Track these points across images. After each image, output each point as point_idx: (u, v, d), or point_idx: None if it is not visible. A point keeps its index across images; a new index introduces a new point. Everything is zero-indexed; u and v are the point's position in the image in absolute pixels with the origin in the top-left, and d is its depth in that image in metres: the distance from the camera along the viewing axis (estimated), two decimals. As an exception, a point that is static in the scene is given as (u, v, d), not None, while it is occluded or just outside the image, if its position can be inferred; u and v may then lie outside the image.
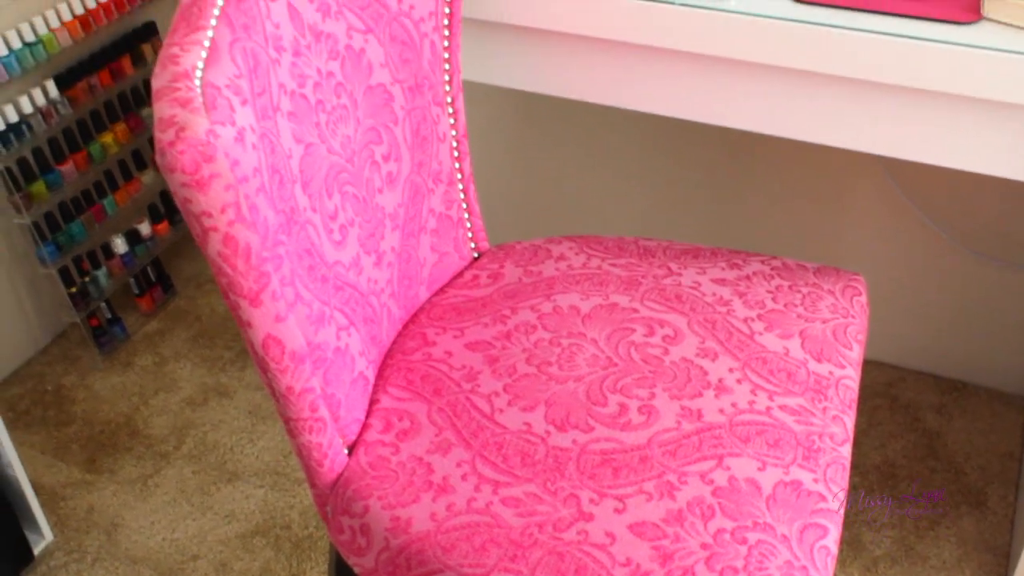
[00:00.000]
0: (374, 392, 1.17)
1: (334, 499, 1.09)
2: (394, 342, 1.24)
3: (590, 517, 1.01)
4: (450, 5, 1.22)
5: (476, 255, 1.37)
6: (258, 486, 1.71)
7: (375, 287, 1.17)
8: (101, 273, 1.95)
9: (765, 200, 1.83)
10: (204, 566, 1.59)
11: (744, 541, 0.99)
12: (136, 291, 2.02)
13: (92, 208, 1.92)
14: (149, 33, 1.99)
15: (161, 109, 0.85)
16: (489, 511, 1.03)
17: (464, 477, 1.06)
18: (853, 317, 1.25)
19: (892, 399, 1.82)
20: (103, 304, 1.96)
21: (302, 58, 1.04)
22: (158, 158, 0.85)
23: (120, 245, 1.97)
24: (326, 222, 1.06)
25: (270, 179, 0.95)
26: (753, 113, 1.28)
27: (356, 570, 1.11)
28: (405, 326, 1.26)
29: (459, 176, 1.31)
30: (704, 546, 0.98)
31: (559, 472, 1.05)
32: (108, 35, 1.94)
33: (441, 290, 1.31)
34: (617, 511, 1.01)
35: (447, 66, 1.25)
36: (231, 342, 1.99)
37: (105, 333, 1.96)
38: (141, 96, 1.98)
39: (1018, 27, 1.14)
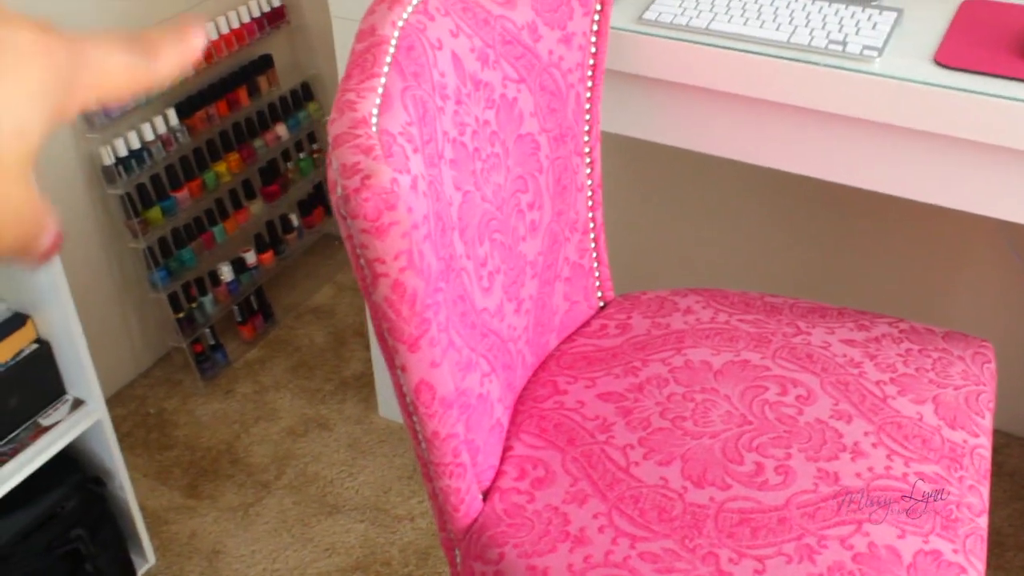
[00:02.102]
0: (507, 438, 1.17)
1: (467, 545, 1.10)
2: (524, 388, 1.24)
3: (730, 576, 1.01)
4: (595, 57, 1.23)
5: (602, 304, 1.38)
6: (358, 520, 1.72)
7: (514, 334, 1.18)
8: (207, 300, 1.98)
9: (880, 259, 1.82)
10: (305, 598, 1.60)
11: (888, 610, 0.98)
12: (239, 319, 2.05)
13: (203, 235, 1.96)
14: (265, 65, 2.03)
15: (343, 155, 0.86)
16: (627, 565, 1.03)
17: (601, 529, 1.06)
18: (984, 384, 1.24)
19: (997, 465, 1.80)
20: (207, 330, 1.99)
21: (463, 106, 1.05)
22: (339, 204, 0.86)
23: (227, 273, 2.00)
24: (477, 269, 1.08)
25: (435, 226, 0.97)
26: (883, 174, 1.28)
27: (483, 615, 1.11)
28: (535, 373, 1.26)
29: (592, 225, 1.32)
30: (847, 613, 0.98)
31: (697, 529, 1.05)
32: (227, 66, 1.98)
33: (570, 338, 1.31)
34: (757, 572, 1.01)
35: (588, 116, 1.26)
36: (330, 374, 2.01)
37: (208, 359, 1.99)
38: (254, 127, 2.02)
39: None
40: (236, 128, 1.98)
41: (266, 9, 1.99)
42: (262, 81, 2.02)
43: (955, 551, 1.04)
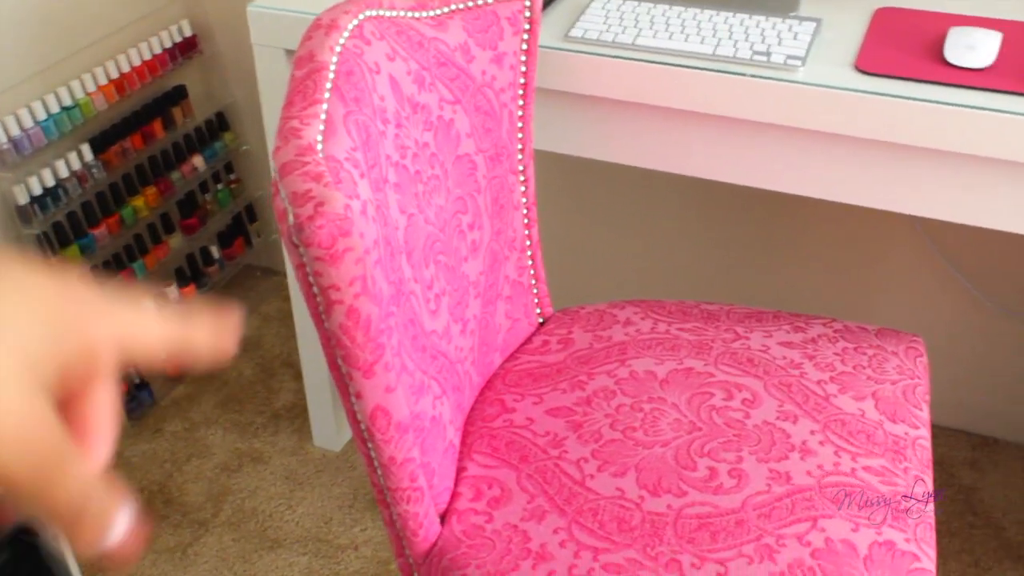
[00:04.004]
0: (460, 460, 1.17)
1: (427, 569, 1.09)
2: (472, 408, 1.24)
3: (694, 582, 1.02)
4: (525, 76, 1.24)
5: (542, 320, 1.38)
6: (301, 553, 1.70)
7: (461, 355, 1.18)
8: (130, 338, 1.93)
9: (809, 262, 1.86)
10: (252, 635, 1.57)
11: (849, 604, 1.00)
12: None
13: (122, 272, 1.92)
14: (179, 96, 1.99)
15: (293, 183, 0.86)
16: (591, 578, 1.03)
17: (562, 544, 1.06)
18: (919, 378, 1.27)
19: (925, 455, 1.85)
20: (132, 370, 1.94)
21: (403, 129, 1.05)
22: (291, 232, 0.86)
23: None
24: (424, 292, 1.07)
25: (384, 251, 0.96)
26: (809, 179, 1.31)
27: (446, 639, 1.10)
28: (482, 392, 1.26)
29: (528, 243, 1.32)
30: (810, 609, 0.99)
31: (657, 537, 1.06)
32: (140, 99, 1.94)
33: (513, 356, 1.32)
34: (720, 575, 1.02)
35: (521, 135, 1.27)
36: (262, 407, 1.98)
37: (134, 399, 1.94)
38: (171, 159, 1.99)
39: (1082, 96, 1.18)
40: (152, 161, 1.95)
41: (178, 39, 1.96)
42: (176, 112, 1.99)
43: (907, 540, 1.06)
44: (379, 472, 1.03)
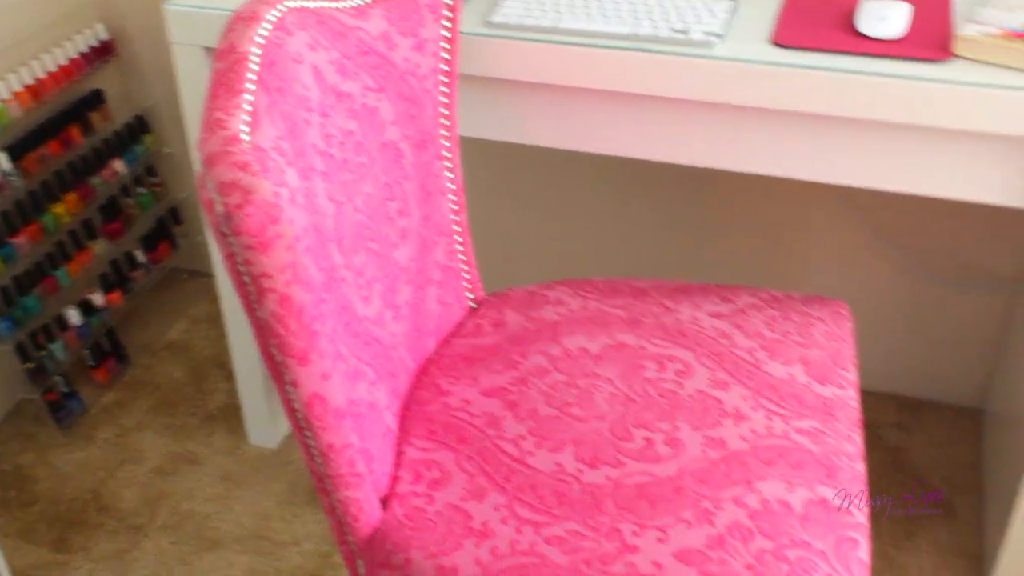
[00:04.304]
0: (398, 444, 1.18)
1: (370, 554, 1.09)
2: (408, 394, 1.25)
3: (635, 549, 1.03)
4: (448, 62, 1.25)
5: (474, 305, 1.39)
6: (241, 552, 1.69)
7: (394, 340, 1.18)
8: (57, 346, 1.91)
9: (732, 234, 1.89)
10: (197, 637, 1.56)
11: (785, 559, 1.02)
12: (91, 363, 1.98)
13: (46, 280, 1.89)
14: (97, 101, 1.97)
15: (221, 173, 0.86)
16: (534, 551, 1.04)
17: (504, 521, 1.07)
18: (845, 341, 1.31)
19: (853, 421, 1.89)
20: (59, 378, 1.91)
21: (328, 118, 1.06)
22: (220, 222, 0.86)
23: (75, 317, 1.93)
24: (356, 279, 1.08)
25: (314, 239, 0.97)
26: (730, 153, 1.34)
27: (394, 623, 1.11)
28: (417, 378, 1.27)
29: (457, 228, 1.33)
30: (749, 567, 1.02)
31: (597, 508, 1.07)
32: (57, 104, 1.91)
33: (446, 340, 1.33)
34: (660, 541, 1.04)
35: (446, 121, 1.28)
36: (194, 409, 1.96)
37: (63, 408, 1.91)
38: (91, 164, 1.96)
39: (986, 63, 1.22)
40: (72, 167, 1.92)
41: (93, 43, 1.94)
42: (95, 117, 1.96)
43: (840, 496, 1.09)
44: (318, 460, 1.03)
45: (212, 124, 0.91)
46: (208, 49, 1.47)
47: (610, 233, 1.95)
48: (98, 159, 1.98)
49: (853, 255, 1.84)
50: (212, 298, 2.25)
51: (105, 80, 2.04)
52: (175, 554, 1.69)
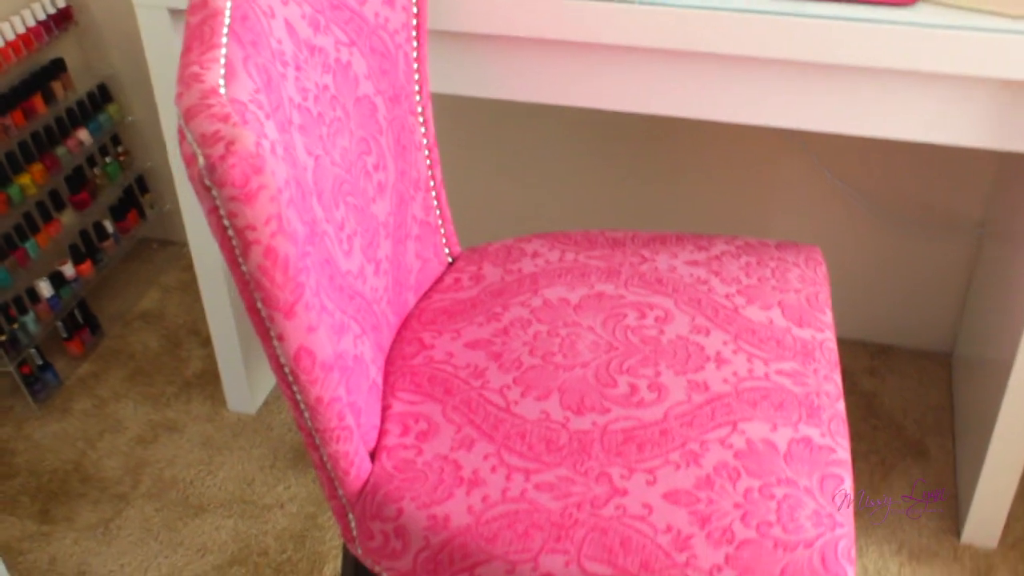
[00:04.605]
0: (384, 399, 1.18)
1: (361, 507, 1.10)
2: (391, 348, 1.25)
3: (624, 492, 1.05)
4: (417, 17, 1.25)
5: (451, 260, 1.39)
6: (226, 516, 1.69)
7: (376, 295, 1.18)
8: (29, 319, 1.89)
9: (703, 184, 1.90)
10: (185, 602, 1.57)
11: (772, 496, 1.04)
12: (65, 335, 1.97)
13: (15, 253, 1.87)
14: (58, 70, 1.94)
15: (201, 125, 0.85)
16: (525, 498, 1.05)
17: (493, 469, 1.08)
18: (820, 285, 1.32)
19: (826, 367, 1.92)
20: (33, 350, 1.90)
21: (303, 72, 1.05)
22: (202, 175, 0.85)
23: (46, 289, 1.92)
24: (337, 233, 1.08)
25: (296, 191, 0.96)
26: (691, 100, 1.35)
27: (386, 574, 1.12)
28: (399, 333, 1.27)
29: (432, 183, 1.33)
30: (737, 505, 1.03)
31: (585, 454, 1.08)
32: (17, 74, 1.89)
33: (426, 295, 1.33)
34: (649, 483, 1.05)
35: (417, 76, 1.27)
36: (171, 377, 1.96)
37: (38, 380, 1.90)
38: (55, 134, 1.94)
39: (952, 6, 1.23)
40: (35, 138, 1.90)
41: (51, 11, 1.91)
42: (56, 87, 1.94)
43: (822, 435, 1.11)
44: (306, 415, 1.03)
45: (188, 78, 0.90)
46: (173, 11, 1.45)
47: (581, 187, 1.96)
48: (62, 129, 1.96)
49: (821, 203, 1.85)
50: (183, 266, 2.23)
51: (65, 49, 2.01)
52: (160, 521, 1.69)
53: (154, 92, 1.63)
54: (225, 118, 0.85)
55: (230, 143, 0.83)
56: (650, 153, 1.88)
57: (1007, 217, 1.62)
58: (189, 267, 2.23)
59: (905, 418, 1.82)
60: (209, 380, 1.95)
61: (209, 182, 0.85)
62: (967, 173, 1.76)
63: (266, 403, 1.90)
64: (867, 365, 1.93)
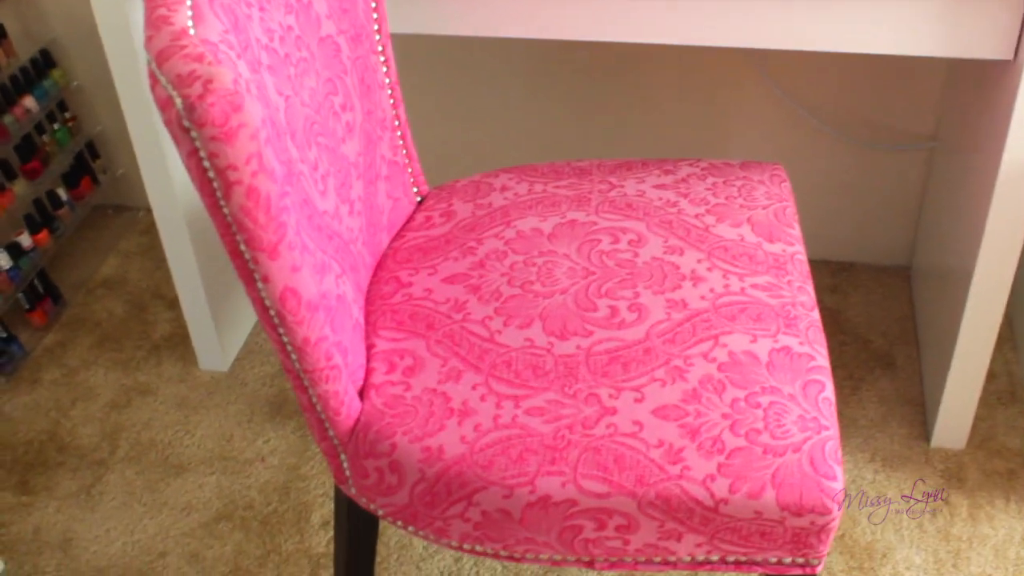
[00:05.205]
0: (366, 338, 1.19)
1: (353, 446, 1.11)
2: (369, 288, 1.25)
3: (614, 411, 1.06)
4: (373, -48, 1.24)
5: (420, 199, 1.40)
6: (208, 474, 1.69)
7: (352, 235, 1.19)
8: (-10, 292, 1.87)
9: (653, 109, 1.91)
10: (175, 561, 1.57)
11: (758, 405, 1.06)
12: (27, 306, 1.95)
13: (-30, 226, 1.84)
14: (-1, 37, 1.91)
15: (176, 66, 0.84)
16: (517, 423, 1.07)
17: (483, 398, 1.09)
18: (786, 200, 1.34)
19: (790, 288, 1.95)
20: (-4, 324, 1.88)
21: (267, 13, 1.04)
22: (180, 117, 0.85)
23: (4, 260, 1.89)
24: (311, 173, 1.08)
25: (272, 131, 0.96)
26: (650, 26, 1.36)
27: (382, 511, 1.13)
28: (375, 273, 1.28)
29: (397, 123, 1.33)
30: (725, 416, 1.05)
31: (572, 377, 1.10)
32: (-43, 44, 1.85)
33: (399, 234, 1.33)
34: (637, 400, 1.07)
35: (375, 15, 1.27)
36: (140, 341, 1.95)
37: (3, 353, 1.88)
38: (0, 104, 1.90)
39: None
40: (-19, 107, 1.87)
41: (-12, -25, 1.87)
42: (-1, 53, 1.91)
43: (801, 343, 1.13)
44: (293, 356, 1.04)
45: (157, 21, 0.89)
46: (121, -35, 1.43)
47: (541, 120, 1.96)
48: (7, 98, 1.93)
49: (778, 125, 1.87)
50: (141, 230, 2.21)
51: (3, 16, 1.97)
52: (142, 483, 1.69)
53: (105, 51, 1.61)
54: (199, 58, 0.85)
55: (207, 81, 0.83)
56: (609, 82, 1.88)
57: (956, 129, 1.65)
58: (147, 231, 2.21)
59: (870, 332, 1.86)
60: (178, 342, 1.94)
61: (188, 123, 0.84)
62: (917, 88, 1.79)
63: (238, 359, 1.89)
64: (829, 283, 1.96)
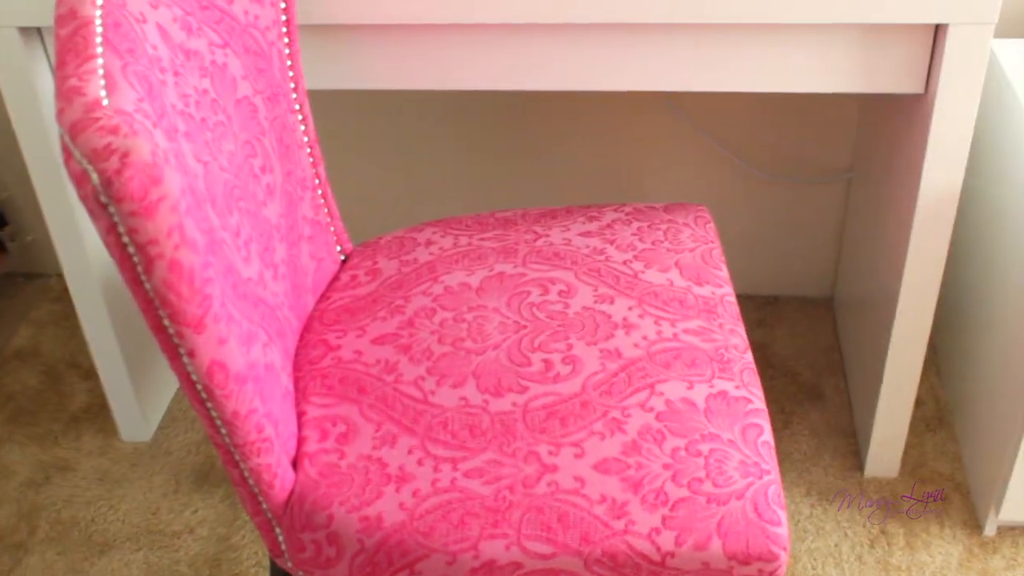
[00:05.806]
0: (297, 405, 1.16)
1: (288, 519, 1.08)
2: (296, 353, 1.22)
3: (554, 468, 1.05)
4: (286, 12, 1.22)
5: (343, 257, 1.37)
6: (135, 550, 1.63)
7: (277, 300, 1.16)
8: None
9: (574, 153, 1.91)
10: (103, 642, 1.51)
11: (699, 453, 1.05)
12: (-65, 384, 1.88)
13: None
14: None
15: (91, 140, 0.81)
16: (456, 487, 1.05)
17: (420, 462, 1.07)
18: (712, 242, 1.35)
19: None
20: (-97, 404, 1.80)
21: (181, 77, 1.02)
22: (96, 192, 0.82)
23: (-91, 338, 1.82)
24: (234, 239, 1.05)
25: (191, 200, 0.93)
26: (552, 74, 1.36)
27: (321, 583, 1.10)
28: (302, 336, 1.25)
29: (317, 181, 1.31)
30: (666, 466, 1.04)
31: (510, 435, 1.08)
32: None
33: (324, 295, 1.30)
34: (577, 456, 1.06)
35: (291, 73, 1.25)
36: (56, 413, 1.88)
37: (-88, 435, 1.81)
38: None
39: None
40: None
41: None
42: None
43: (737, 387, 1.13)
44: (223, 431, 1.00)
45: (68, 92, 0.86)
46: (23, 30, 1.39)
47: (461, 170, 1.95)
48: (-92, 168, 1.86)
49: (695, 163, 1.89)
50: (53, 298, 2.15)
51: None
52: (65, 565, 1.62)
53: (11, 119, 1.56)
54: (115, 130, 0.82)
55: (125, 155, 0.80)
56: (526, 130, 1.88)
57: (872, 161, 1.68)
58: (59, 299, 2.15)
59: (798, 364, 1.87)
60: (97, 412, 1.88)
61: (106, 198, 0.81)
62: (832, 122, 1.82)
63: (161, 428, 1.84)
64: (755, 317, 1.98)
